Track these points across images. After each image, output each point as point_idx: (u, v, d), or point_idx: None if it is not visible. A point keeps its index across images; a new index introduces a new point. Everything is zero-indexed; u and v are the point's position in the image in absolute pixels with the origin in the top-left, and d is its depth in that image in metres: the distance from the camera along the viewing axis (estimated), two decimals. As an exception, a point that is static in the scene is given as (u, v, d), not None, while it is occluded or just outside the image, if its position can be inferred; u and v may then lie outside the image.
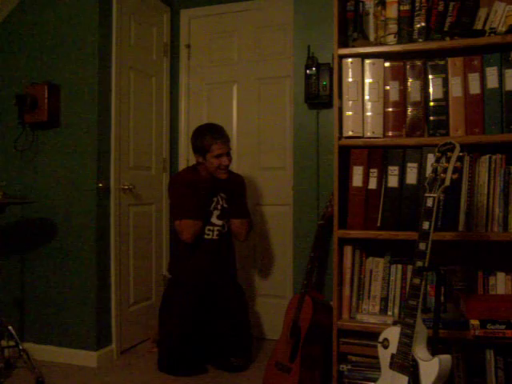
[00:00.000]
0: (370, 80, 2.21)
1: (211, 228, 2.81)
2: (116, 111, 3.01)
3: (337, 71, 2.20)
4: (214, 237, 2.82)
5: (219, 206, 2.84)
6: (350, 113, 2.21)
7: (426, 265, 1.66)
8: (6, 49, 3.13)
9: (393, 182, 2.17)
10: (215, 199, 2.84)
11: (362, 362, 2.21)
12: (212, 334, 2.78)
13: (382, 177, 2.20)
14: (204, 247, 2.81)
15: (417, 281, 1.66)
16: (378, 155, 2.20)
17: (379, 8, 2.26)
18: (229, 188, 2.83)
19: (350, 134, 2.21)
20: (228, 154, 2.75)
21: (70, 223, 2.94)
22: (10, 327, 2.63)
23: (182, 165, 3.55)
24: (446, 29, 2.14)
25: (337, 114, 2.19)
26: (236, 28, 3.43)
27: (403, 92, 2.18)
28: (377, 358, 1.81)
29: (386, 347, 1.74)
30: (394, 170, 2.17)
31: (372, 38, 2.32)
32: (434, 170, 1.72)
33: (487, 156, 2.07)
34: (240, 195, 2.88)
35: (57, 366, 2.86)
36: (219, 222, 2.83)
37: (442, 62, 2.14)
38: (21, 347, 2.61)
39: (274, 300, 3.29)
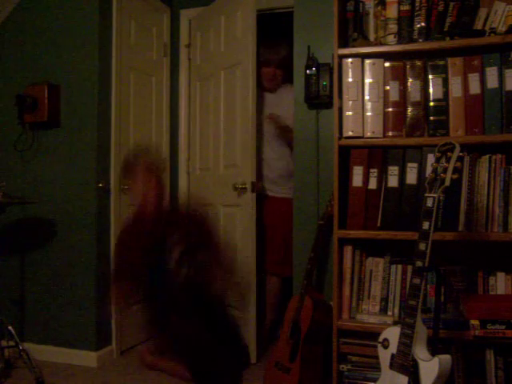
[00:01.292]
0: (370, 80, 2.20)
1: None
2: (116, 111, 3.01)
3: (337, 71, 2.20)
4: None
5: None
6: (350, 113, 2.21)
7: (426, 265, 1.66)
8: (6, 49, 3.13)
9: (393, 181, 2.17)
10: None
11: (362, 362, 2.21)
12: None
13: (382, 177, 2.20)
14: None
15: (417, 281, 1.66)
16: (378, 155, 2.20)
17: (379, 8, 2.26)
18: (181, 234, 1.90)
19: (350, 134, 2.21)
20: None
21: (70, 223, 2.94)
22: (10, 327, 2.64)
23: (182, 165, 3.56)
24: (445, 29, 2.14)
25: (337, 114, 2.19)
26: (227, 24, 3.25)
27: (403, 92, 2.18)
28: (377, 358, 1.81)
29: (386, 347, 1.74)
30: (393, 170, 2.17)
31: (372, 38, 2.32)
32: (434, 170, 1.72)
33: (487, 156, 2.07)
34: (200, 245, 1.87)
35: (57, 366, 2.86)
36: None
37: (442, 62, 2.13)
38: (21, 347, 2.62)
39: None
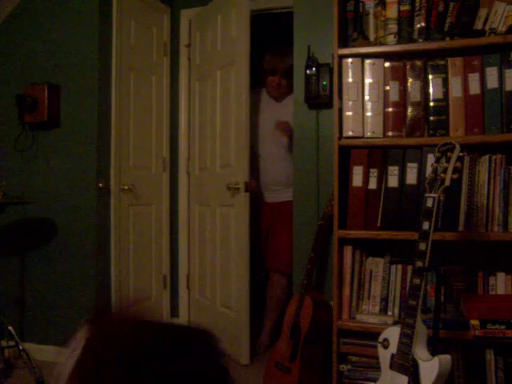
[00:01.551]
0: (370, 80, 2.20)
1: None
2: (116, 111, 3.01)
3: (337, 71, 2.20)
4: None
5: None
6: (350, 113, 2.21)
7: (426, 265, 1.66)
8: (6, 49, 3.13)
9: (393, 181, 2.17)
10: None
11: (362, 362, 2.21)
12: None
13: (382, 177, 2.20)
14: None
15: (417, 281, 1.66)
16: (378, 155, 2.20)
17: (379, 8, 2.26)
18: None
19: (350, 134, 2.21)
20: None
21: (69, 223, 2.94)
22: (10, 327, 2.63)
23: (182, 165, 3.55)
24: (446, 29, 2.14)
25: (337, 114, 2.19)
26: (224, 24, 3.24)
27: (403, 92, 2.18)
28: (377, 358, 1.81)
29: (385, 347, 1.74)
30: (393, 170, 2.17)
31: (372, 38, 2.32)
32: (434, 170, 1.72)
33: (487, 156, 2.07)
34: None
35: (57, 366, 2.85)
36: None
37: (442, 62, 2.13)
38: (21, 347, 2.61)
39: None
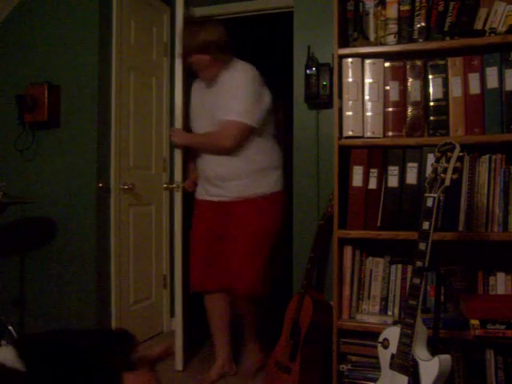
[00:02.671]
0: (370, 80, 2.20)
1: None
2: (116, 111, 3.01)
3: (337, 71, 2.20)
4: None
5: None
6: (350, 113, 2.21)
7: (426, 265, 1.66)
8: (6, 49, 3.13)
9: (393, 181, 2.17)
10: None
11: (362, 362, 2.21)
12: None
13: (382, 177, 2.20)
14: None
15: (417, 281, 1.66)
16: (378, 155, 2.20)
17: (379, 8, 2.26)
18: None
19: (350, 133, 2.21)
20: None
21: (70, 223, 2.94)
22: (10, 327, 2.63)
23: (181, 165, 3.55)
24: (446, 29, 2.14)
25: (337, 114, 2.19)
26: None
27: (403, 92, 2.18)
28: (377, 357, 1.81)
29: (385, 347, 1.74)
30: (393, 170, 2.17)
31: (372, 38, 2.32)
32: (434, 170, 1.72)
33: (487, 156, 2.07)
34: None
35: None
36: None
37: (442, 62, 2.13)
38: (21, 347, 2.61)
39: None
